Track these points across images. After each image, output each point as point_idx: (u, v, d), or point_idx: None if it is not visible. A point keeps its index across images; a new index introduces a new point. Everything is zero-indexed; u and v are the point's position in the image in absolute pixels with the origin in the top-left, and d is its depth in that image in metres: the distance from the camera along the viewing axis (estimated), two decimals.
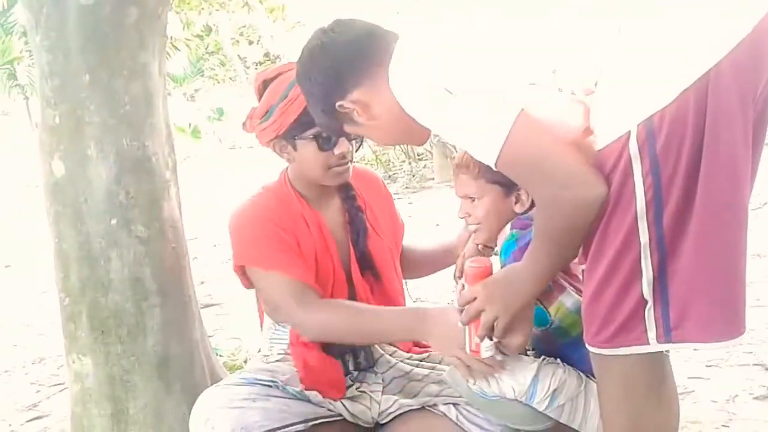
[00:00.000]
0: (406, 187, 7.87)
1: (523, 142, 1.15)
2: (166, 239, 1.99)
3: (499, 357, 1.49)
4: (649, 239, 1.15)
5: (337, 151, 1.68)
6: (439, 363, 1.86)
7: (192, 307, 2.10)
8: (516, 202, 1.63)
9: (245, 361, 2.82)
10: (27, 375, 3.27)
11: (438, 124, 1.26)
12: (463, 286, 1.50)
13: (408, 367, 1.84)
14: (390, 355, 1.86)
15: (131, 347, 1.94)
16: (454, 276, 1.94)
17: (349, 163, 1.75)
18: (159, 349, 1.96)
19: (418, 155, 8.95)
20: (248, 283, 1.79)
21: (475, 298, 1.40)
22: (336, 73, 1.39)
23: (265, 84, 1.71)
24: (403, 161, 9.00)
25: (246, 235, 1.74)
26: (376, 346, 1.84)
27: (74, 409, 2.01)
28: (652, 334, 1.19)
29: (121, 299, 1.92)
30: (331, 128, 1.50)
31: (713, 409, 2.16)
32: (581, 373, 1.61)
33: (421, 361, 1.87)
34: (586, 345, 1.29)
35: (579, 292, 1.54)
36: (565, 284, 1.58)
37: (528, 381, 1.54)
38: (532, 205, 1.63)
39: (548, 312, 1.60)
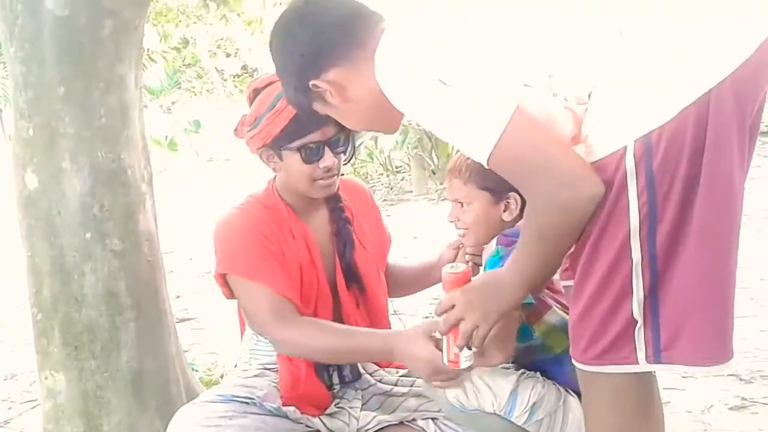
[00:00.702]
0: (384, 200, 7.87)
1: (518, 139, 1.12)
2: (142, 253, 1.97)
3: (478, 370, 1.47)
4: (641, 257, 1.13)
5: (322, 164, 1.67)
6: (419, 377, 1.86)
7: (167, 321, 2.08)
8: (504, 210, 1.64)
9: (222, 376, 2.78)
10: None
11: (427, 118, 1.21)
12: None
13: (388, 387, 1.84)
14: (371, 374, 1.85)
15: (105, 363, 1.91)
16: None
17: (336, 177, 1.74)
18: (133, 364, 1.94)
19: (396, 168, 8.97)
20: (229, 293, 1.77)
21: (453, 306, 1.34)
22: (314, 50, 1.32)
23: (255, 92, 1.71)
24: (381, 174, 9.01)
25: (230, 244, 1.72)
26: (359, 364, 1.83)
27: (46, 426, 1.98)
28: (641, 354, 1.18)
29: (94, 314, 1.89)
30: (301, 105, 1.44)
31: (689, 420, 2.18)
32: (560, 388, 1.61)
33: (401, 377, 1.87)
34: (574, 361, 1.27)
35: (565, 309, 1.55)
36: (551, 302, 1.59)
37: (507, 394, 1.54)
38: (521, 213, 1.64)
39: (533, 328, 1.62)
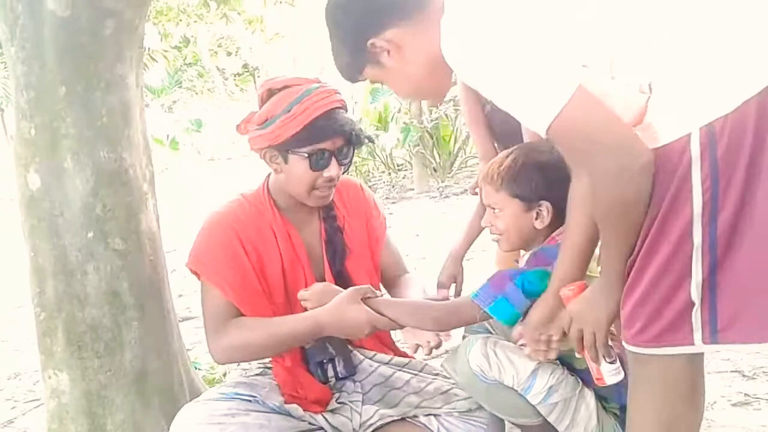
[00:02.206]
0: (386, 198, 7.88)
1: (578, 113, 1.14)
2: (144, 252, 1.97)
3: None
4: (702, 241, 1.15)
5: (327, 173, 1.68)
6: (421, 371, 1.86)
7: (170, 320, 2.08)
8: (536, 218, 1.65)
9: (224, 375, 2.79)
10: (2, 391, 3.21)
11: (490, 86, 1.22)
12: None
13: (389, 371, 1.84)
14: (370, 358, 1.85)
15: (108, 362, 1.91)
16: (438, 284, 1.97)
17: (333, 188, 1.75)
18: (137, 363, 1.94)
19: (398, 166, 8.97)
20: None
21: (570, 322, 1.41)
22: (376, 8, 1.33)
23: (270, 92, 1.71)
24: (383, 172, 9.02)
25: (204, 240, 1.76)
26: (356, 352, 1.83)
27: (51, 425, 1.98)
28: (698, 335, 1.20)
29: (98, 313, 1.90)
30: (351, 68, 1.42)
31: None
32: (578, 379, 1.64)
33: (402, 367, 1.87)
34: (626, 344, 1.28)
35: None
36: None
37: (528, 372, 1.58)
38: (552, 221, 1.64)
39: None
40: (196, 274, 1.76)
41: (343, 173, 1.78)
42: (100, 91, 1.87)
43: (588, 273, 1.58)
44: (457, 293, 2.06)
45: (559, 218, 1.67)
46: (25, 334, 3.66)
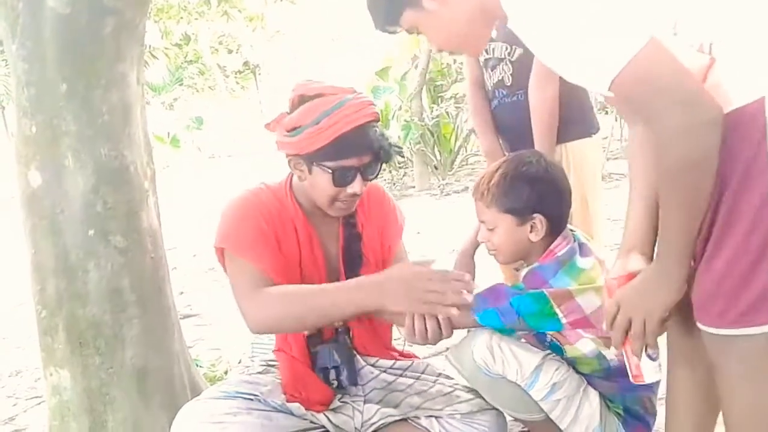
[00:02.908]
0: None
1: (649, 61, 1.08)
2: (145, 249, 1.97)
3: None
4: None
5: (350, 189, 1.65)
6: (423, 373, 1.86)
7: (171, 317, 2.08)
8: (531, 231, 1.64)
9: (226, 372, 2.79)
10: (3, 388, 3.21)
11: (550, 37, 1.15)
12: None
13: (391, 377, 1.84)
14: (372, 365, 1.85)
15: (109, 359, 1.91)
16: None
17: (356, 201, 1.72)
18: (138, 361, 1.94)
19: (399, 163, 8.97)
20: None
21: (618, 311, 1.29)
22: None
23: (302, 99, 1.65)
24: (384, 169, 9.01)
25: (229, 219, 1.73)
26: (358, 357, 1.83)
27: (52, 422, 1.98)
28: None
29: (98, 311, 1.90)
30: (389, 13, 1.36)
31: None
32: (583, 378, 1.64)
33: (404, 371, 1.86)
34: (705, 328, 1.21)
35: (602, 339, 1.58)
36: (583, 334, 1.60)
37: (532, 367, 1.59)
38: (547, 233, 1.64)
39: (564, 348, 1.66)
40: (221, 253, 1.73)
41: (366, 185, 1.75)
42: (101, 89, 1.87)
43: (578, 286, 1.59)
44: (469, 290, 2.06)
45: (554, 230, 1.66)
46: (26, 332, 3.66)
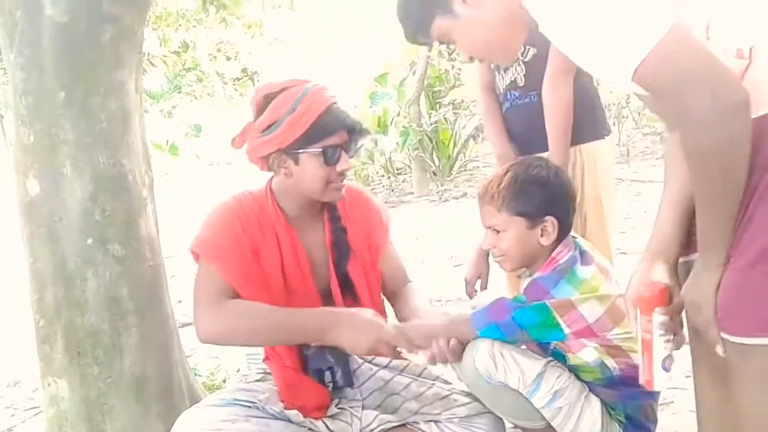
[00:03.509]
0: (386, 202, 7.87)
1: (675, 46, 1.05)
2: (143, 258, 1.97)
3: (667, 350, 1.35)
4: None
5: (339, 167, 1.69)
6: (420, 375, 1.86)
7: (170, 326, 2.08)
8: (542, 234, 1.63)
9: (224, 381, 2.78)
10: (2, 399, 3.20)
11: (572, 25, 1.14)
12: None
13: (388, 375, 1.83)
14: (369, 362, 1.85)
15: (108, 369, 1.90)
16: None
17: (345, 182, 1.76)
18: (136, 370, 1.93)
19: (397, 170, 8.97)
20: None
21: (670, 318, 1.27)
22: None
23: (268, 98, 1.70)
24: (382, 176, 9.01)
25: (207, 225, 1.75)
26: (353, 356, 1.83)
27: None
28: None
29: (97, 319, 1.89)
30: (422, 19, 1.36)
31: (692, 419, 2.17)
32: (585, 385, 1.63)
33: (401, 370, 1.86)
34: (727, 336, 1.19)
35: (607, 349, 1.58)
36: (586, 343, 1.60)
37: (534, 375, 1.58)
38: (558, 236, 1.63)
39: (567, 356, 1.65)
40: (196, 256, 1.75)
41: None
42: (99, 97, 1.87)
43: (579, 295, 1.58)
44: (483, 289, 2.06)
45: (562, 231, 1.66)
46: (24, 342, 3.65)
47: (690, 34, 1.07)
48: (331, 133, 1.68)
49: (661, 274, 1.31)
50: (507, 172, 1.66)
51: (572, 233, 1.74)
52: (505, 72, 2.29)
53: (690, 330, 1.30)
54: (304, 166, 1.69)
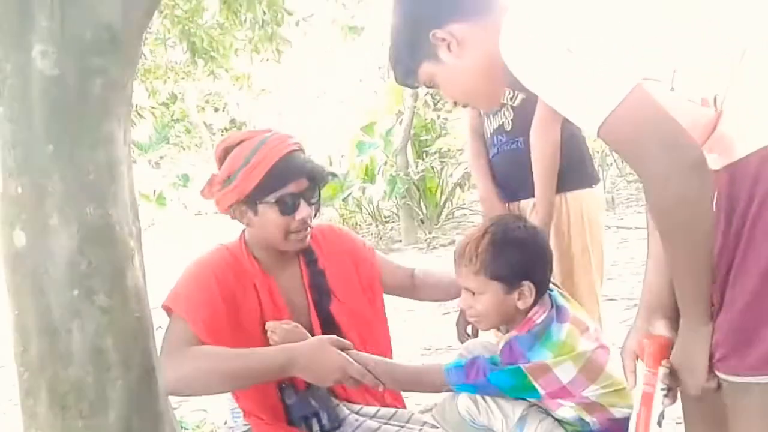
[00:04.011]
0: None
1: (634, 110, 1.10)
2: (130, 309, 1.95)
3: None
4: None
5: (298, 216, 1.69)
6: (408, 422, 1.84)
7: (156, 378, 2.04)
8: (519, 299, 1.63)
9: None
10: None
11: (544, 83, 1.20)
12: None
13: (375, 425, 1.81)
14: (356, 413, 1.83)
15: (93, 422, 1.86)
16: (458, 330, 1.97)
17: (308, 229, 1.75)
18: (122, 423, 1.89)
19: (385, 218, 9.01)
20: None
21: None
22: (445, 0, 1.36)
23: (226, 151, 1.73)
24: (370, 224, 9.04)
25: (182, 281, 1.76)
26: (342, 405, 1.81)
27: None
28: None
29: (82, 372, 1.86)
30: (409, 63, 1.43)
31: None
32: (569, 430, 1.62)
33: (389, 419, 1.84)
34: (723, 375, 1.20)
35: (581, 404, 1.60)
36: (562, 402, 1.61)
37: (516, 418, 1.60)
38: (535, 301, 1.64)
39: (546, 411, 1.66)
40: (168, 310, 1.74)
41: (315, 215, 1.79)
42: (88, 149, 1.88)
43: (554, 358, 1.59)
44: (474, 335, 2.06)
45: (539, 294, 1.67)
46: (7, 395, 3.58)
47: (649, 95, 1.11)
48: (287, 182, 1.67)
49: (663, 329, 1.33)
50: (485, 233, 1.66)
51: (551, 281, 1.74)
52: (493, 116, 2.31)
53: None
54: (262, 216, 1.71)
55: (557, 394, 1.60)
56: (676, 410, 1.39)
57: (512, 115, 2.28)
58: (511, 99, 2.26)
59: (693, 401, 1.35)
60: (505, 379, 1.59)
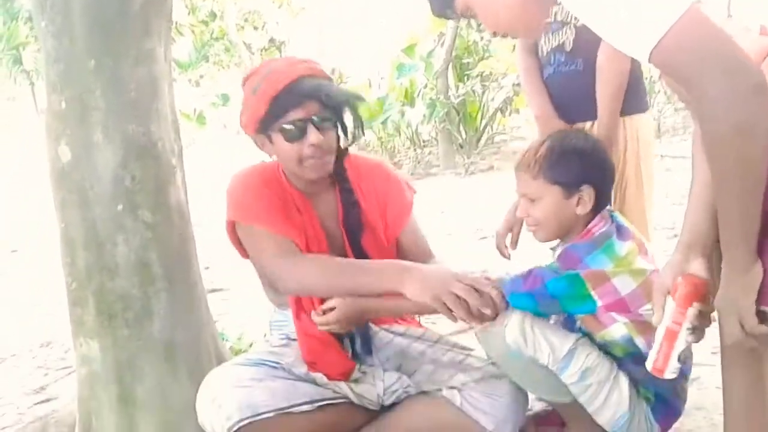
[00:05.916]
0: (411, 174, 7.85)
1: (690, 29, 1.04)
2: (173, 224, 2.00)
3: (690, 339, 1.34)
4: None
5: (308, 142, 1.66)
6: (436, 342, 1.87)
7: (198, 292, 2.11)
8: (578, 204, 1.61)
9: (251, 346, 2.83)
10: (34, 359, 3.29)
11: (589, 3, 1.13)
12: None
13: (405, 342, 1.85)
14: (386, 329, 1.87)
15: (138, 332, 1.95)
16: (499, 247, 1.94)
17: (327, 156, 1.71)
18: (165, 333, 1.97)
19: (424, 142, 8.92)
20: (243, 252, 1.81)
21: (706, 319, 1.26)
22: None
23: (244, 82, 1.74)
24: (408, 148, 8.97)
25: (237, 193, 1.78)
26: (371, 325, 1.84)
27: (81, 392, 2.03)
28: None
29: (127, 284, 1.93)
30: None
31: (718, 395, 2.16)
32: (614, 363, 1.62)
33: (418, 337, 1.88)
34: (764, 307, 1.17)
35: (634, 323, 1.56)
36: (616, 317, 1.59)
37: (564, 352, 1.57)
38: (595, 206, 1.61)
39: (595, 336, 1.64)
40: (231, 226, 1.77)
41: (351, 143, 1.77)
42: (129, 65, 1.89)
43: (613, 267, 1.56)
44: (514, 242, 2.04)
45: (597, 206, 1.64)
46: (55, 305, 3.73)
47: (706, 16, 1.04)
48: (289, 109, 1.64)
49: (699, 268, 1.29)
50: (544, 141, 1.65)
51: (609, 207, 1.72)
52: (552, 34, 2.20)
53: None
54: (276, 145, 1.70)
55: (613, 306, 1.56)
56: (712, 340, 1.38)
57: (574, 34, 2.16)
58: (575, 18, 2.14)
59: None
60: (562, 286, 1.55)
